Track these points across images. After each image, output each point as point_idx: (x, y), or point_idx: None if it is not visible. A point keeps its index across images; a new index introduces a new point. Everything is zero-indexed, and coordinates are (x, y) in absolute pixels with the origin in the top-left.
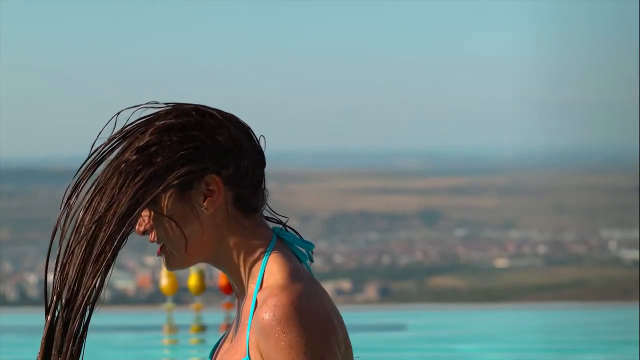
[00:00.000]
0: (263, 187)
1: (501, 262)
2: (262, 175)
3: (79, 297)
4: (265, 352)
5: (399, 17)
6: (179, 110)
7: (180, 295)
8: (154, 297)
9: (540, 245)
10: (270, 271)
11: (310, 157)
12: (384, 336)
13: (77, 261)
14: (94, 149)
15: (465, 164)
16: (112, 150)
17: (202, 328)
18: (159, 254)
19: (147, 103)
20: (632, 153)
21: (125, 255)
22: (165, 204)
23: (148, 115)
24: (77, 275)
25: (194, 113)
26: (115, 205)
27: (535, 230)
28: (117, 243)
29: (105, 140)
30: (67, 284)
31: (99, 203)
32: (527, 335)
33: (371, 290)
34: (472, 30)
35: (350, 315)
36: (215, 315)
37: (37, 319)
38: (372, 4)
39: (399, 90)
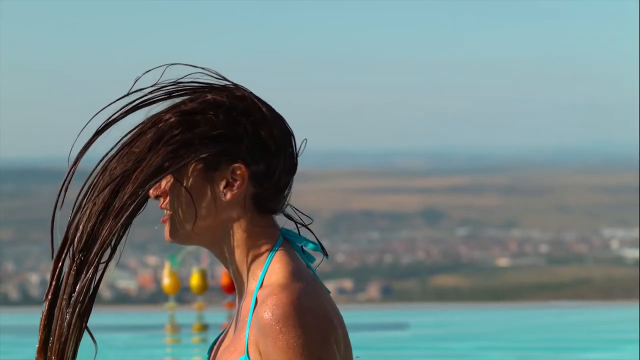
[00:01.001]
0: (286, 193)
1: (503, 261)
2: (289, 182)
3: (94, 248)
4: (264, 351)
5: (400, 17)
6: (233, 92)
7: (182, 295)
8: (156, 297)
9: (542, 244)
10: (272, 270)
11: (312, 156)
12: (386, 335)
13: (97, 209)
14: (135, 92)
15: (467, 164)
16: (154, 101)
17: (204, 327)
18: (163, 222)
19: (204, 68)
20: (634, 152)
21: (127, 255)
22: (188, 175)
23: (202, 83)
24: (94, 226)
25: (246, 100)
26: (144, 163)
27: (537, 229)
28: (139, 200)
29: (151, 87)
30: (82, 234)
31: (127, 155)
32: (528, 334)
33: (373, 290)
34: (473, 30)
35: (352, 315)
36: (217, 315)
37: (39, 319)
38: (372, 4)
39: (400, 90)
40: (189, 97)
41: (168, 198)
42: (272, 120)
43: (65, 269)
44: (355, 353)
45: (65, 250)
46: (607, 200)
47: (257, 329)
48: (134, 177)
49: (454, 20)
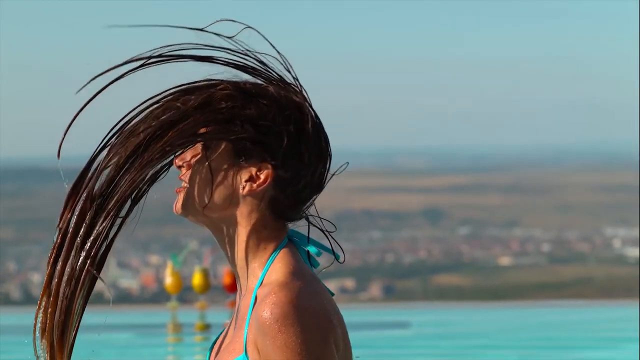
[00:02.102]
0: (305, 207)
1: (505, 261)
2: (311, 197)
3: (115, 196)
4: (263, 349)
5: (400, 17)
6: (293, 94)
7: (185, 294)
8: (158, 296)
9: (544, 243)
10: (273, 269)
11: None
12: (387, 334)
13: (124, 157)
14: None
15: (469, 163)
16: (222, 63)
17: (207, 327)
18: (177, 192)
19: (282, 58)
20: (635, 151)
21: (129, 254)
22: (217, 154)
23: (270, 70)
24: (118, 173)
25: (301, 108)
26: (183, 123)
27: (539, 228)
28: (167, 158)
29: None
30: (105, 179)
31: (168, 107)
32: (530, 333)
33: (375, 289)
34: (473, 30)
35: (354, 314)
36: (219, 314)
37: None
38: (373, 4)
39: (401, 89)
40: (252, 77)
41: (190, 172)
42: (316, 135)
43: (76, 216)
44: (357, 352)
45: (80, 194)
46: (609, 199)
47: (256, 328)
48: (168, 135)
49: (455, 20)
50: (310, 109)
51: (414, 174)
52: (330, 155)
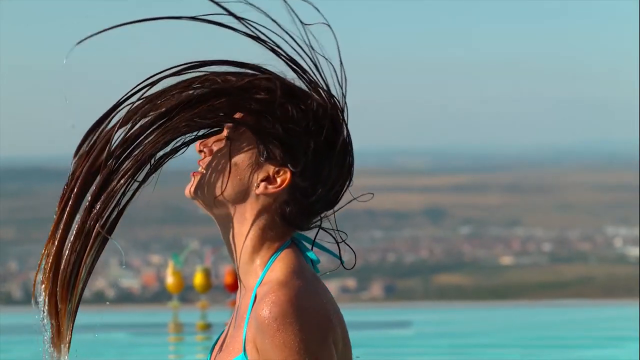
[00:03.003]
0: (315, 220)
1: (506, 260)
2: (322, 212)
3: (136, 154)
4: (262, 348)
5: (401, 17)
6: (333, 110)
7: (186, 294)
8: (160, 296)
9: (545, 242)
10: (274, 268)
11: None
12: (389, 334)
13: (155, 115)
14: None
15: (470, 162)
16: (280, 55)
17: (208, 326)
18: (192, 176)
19: (342, 71)
20: (636, 150)
21: (130, 254)
22: (241, 148)
23: (318, 78)
24: (142, 133)
25: (337, 125)
26: (219, 101)
27: (540, 227)
28: (191, 131)
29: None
30: (126, 136)
31: (208, 80)
32: (531, 332)
33: (376, 288)
34: (475, 29)
35: (355, 313)
36: (220, 314)
37: (43, 317)
38: (374, 4)
39: (402, 88)
40: (300, 78)
41: (209, 158)
42: (342, 154)
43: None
44: (358, 352)
45: (95, 146)
46: (610, 198)
47: (255, 326)
48: (200, 108)
49: (455, 20)
50: (346, 128)
51: (415, 173)
52: (351, 177)
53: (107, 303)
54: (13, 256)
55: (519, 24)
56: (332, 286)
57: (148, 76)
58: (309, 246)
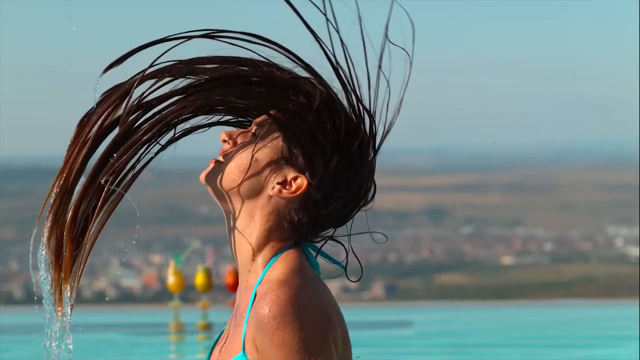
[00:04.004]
0: (323, 235)
1: (507, 260)
2: (328, 228)
3: (163, 114)
4: (261, 347)
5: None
6: (363, 133)
7: (187, 294)
8: (161, 296)
9: (547, 242)
10: (275, 267)
11: None
12: (390, 334)
13: (188, 82)
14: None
15: (471, 162)
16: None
17: (209, 326)
18: (210, 162)
19: (380, 76)
20: (637, 150)
21: (131, 254)
22: (264, 147)
23: (360, 100)
24: (173, 95)
25: (365, 151)
26: (257, 89)
27: (542, 227)
28: (226, 107)
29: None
30: (157, 98)
31: (259, 64)
32: (533, 332)
33: (377, 288)
34: (476, 29)
35: (356, 313)
36: (222, 314)
37: (43, 317)
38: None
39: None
40: (335, 97)
41: (233, 149)
42: (362, 180)
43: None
44: (359, 351)
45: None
46: (611, 198)
47: (255, 325)
48: (235, 89)
49: (455, 20)
50: (374, 157)
51: (416, 173)
52: (366, 202)
53: (107, 299)
54: (13, 256)
55: (519, 24)
56: (333, 286)
57: (201, 29)
58: (312, 252)
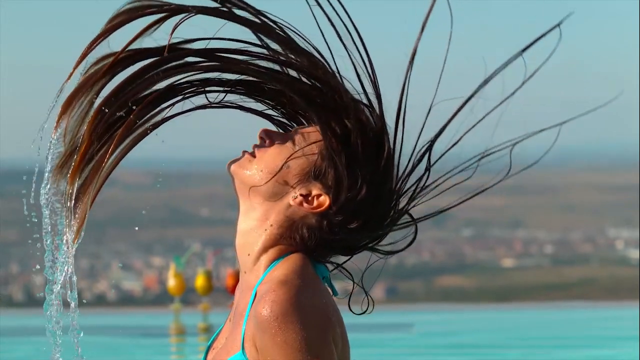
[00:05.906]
0: (329, 255)
1: (508, 262)
2: (336, 254)
3: (207, 64)
4: (261, 346)
5: (401, 16)
6: (401, 182)
7: (188, 296)
8: (161, 298)
9: (548, 244)
10: (276, 268)
11: None
12: (391, 336)
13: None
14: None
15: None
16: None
17: (209, 328)
18: (242, 153)
19: (406, 82)
20: (637, 152)
21: (131, 256)
22: (302, 158)
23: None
24: (209, 52)
25: (397, 195)
26: (310, 87)
27: (543, 229)
28: (265, 92)
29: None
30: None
31: (315, 65)
32: (534, 334)
33: (378, 290)
34: (474, 28)
35: (356, 315)
36: (222, 316)
37: (44, 320)
38: (374, 3)
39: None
40: (366, 109)
41: (269, 145)
42: (382, 222)
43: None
44: (359, 354)
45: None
46: (612, 200)
47: (255, 325)
48: (310, 91)
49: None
50: (404, 208)
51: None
52: (379, 242)
53: (108, 299)
54: (15, 258)
55: (516, 23)
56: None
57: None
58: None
